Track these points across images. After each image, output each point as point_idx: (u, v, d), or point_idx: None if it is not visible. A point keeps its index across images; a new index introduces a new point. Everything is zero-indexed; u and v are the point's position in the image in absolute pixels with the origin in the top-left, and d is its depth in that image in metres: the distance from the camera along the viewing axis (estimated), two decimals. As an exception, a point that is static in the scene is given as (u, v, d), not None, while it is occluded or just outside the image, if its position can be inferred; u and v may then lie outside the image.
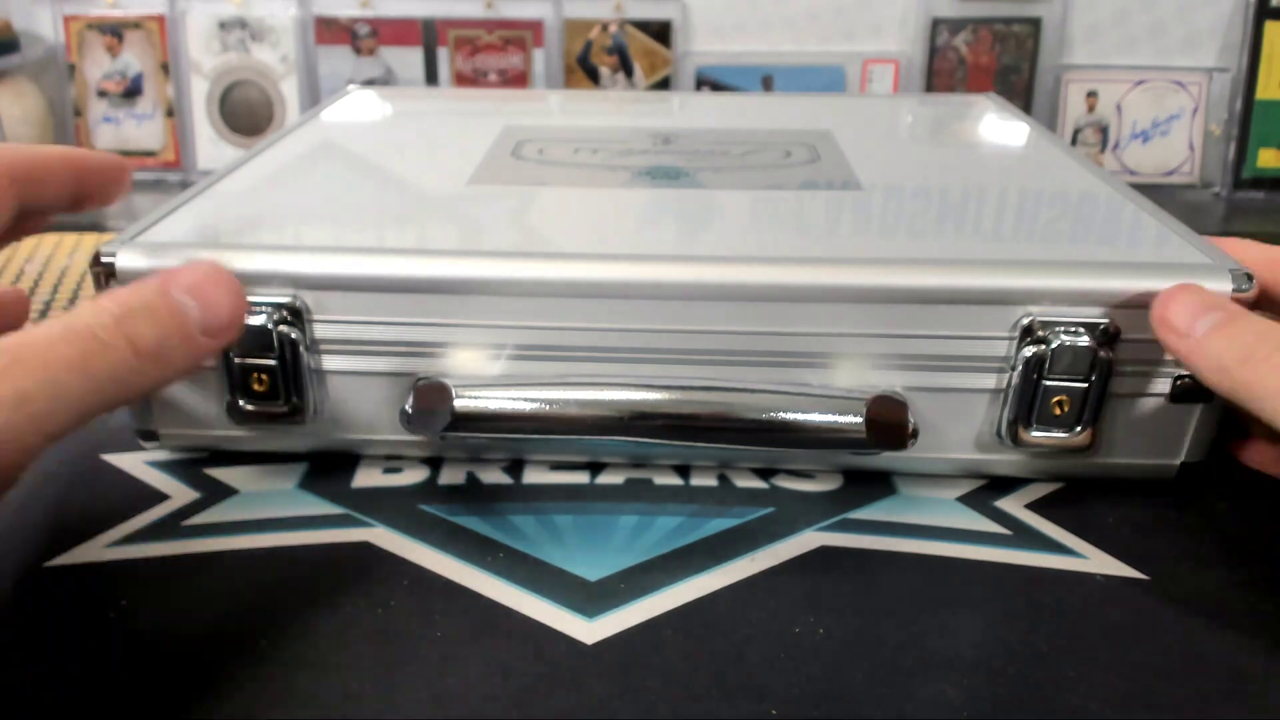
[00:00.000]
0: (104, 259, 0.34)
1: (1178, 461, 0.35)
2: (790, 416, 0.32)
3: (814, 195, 0.41)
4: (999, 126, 0.54)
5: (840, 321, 0.33)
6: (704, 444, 0.35)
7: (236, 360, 0.34)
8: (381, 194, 0.42)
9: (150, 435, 0.37)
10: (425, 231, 0.38)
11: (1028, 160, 0.48)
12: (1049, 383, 0.33)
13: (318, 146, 0.49)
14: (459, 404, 0.32)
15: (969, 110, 0.58)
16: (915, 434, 0.33)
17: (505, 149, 0.48)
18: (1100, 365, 0.33)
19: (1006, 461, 0.36)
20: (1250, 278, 0.32)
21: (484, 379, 0.34)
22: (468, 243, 0.37)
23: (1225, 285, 0.32)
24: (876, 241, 0.36)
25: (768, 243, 0.36)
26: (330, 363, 0.35)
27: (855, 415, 0.32)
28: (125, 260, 0.34)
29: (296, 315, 0.34)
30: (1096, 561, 0.32)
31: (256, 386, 0.34)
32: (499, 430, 0.33)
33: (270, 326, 0.33)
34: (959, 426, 0.35)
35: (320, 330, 0.34)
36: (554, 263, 0.33)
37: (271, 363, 0.34)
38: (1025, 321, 0.33)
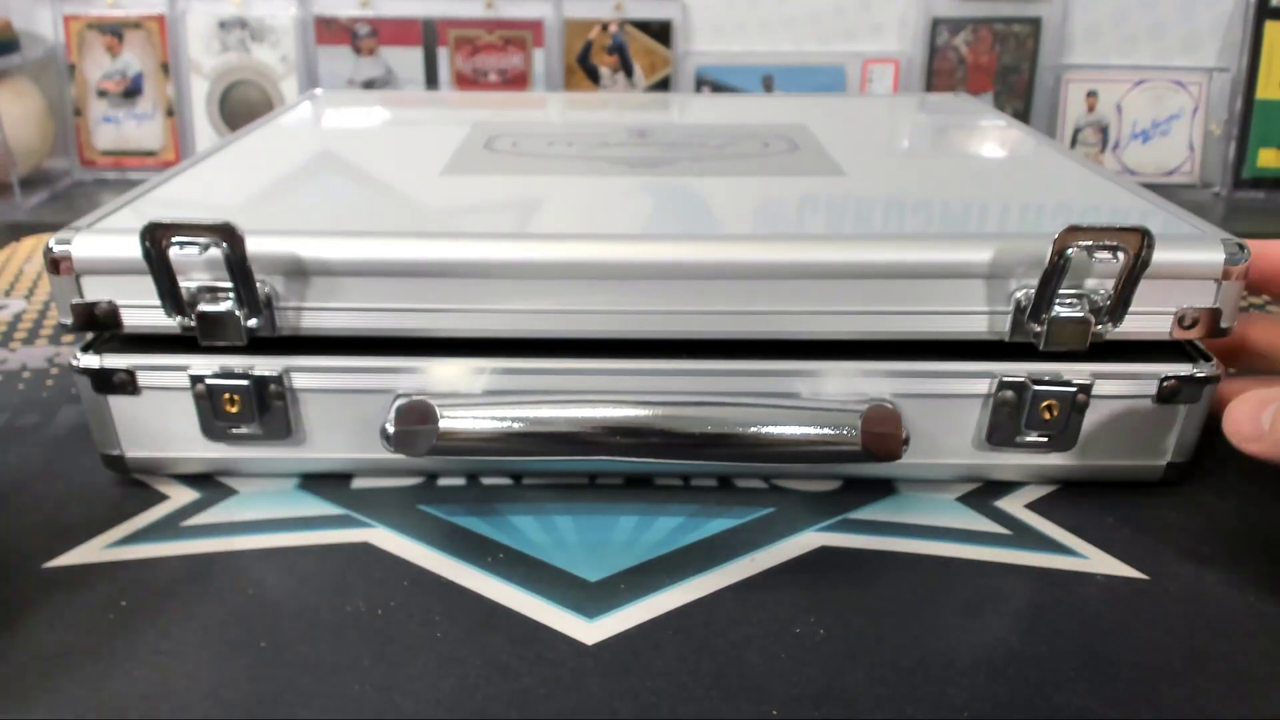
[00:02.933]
0: (58, 248, 0.32)
1: (1164, 462, 0.35)
2: (782, 432, 0.32)
3: (798, 180, 0.41)
4: (974, 120, 0.55)
5: (832, 299, 0.32)
6: (696, 461, 0.35)
7: (209, 381, 0.33)
8: (351, 185, 0.41)
9: (117, 463, 0.36)
10: (397, 219, 0.36)
11: (1007, 148, 0.49)
12: (1038, 388, 0.33)
13: (281, 143, 0.48)
14: (444, 424, 0.31)
15: (945, 106, 0.59)
16: (907, 442, 0.33)
17: (477, 143, 0.48)
18: (1085, 387, 0.33)
19: (995, 466, 0.36)
20: (1243, 246, 0.32)
21: (467, 397, 0.33)
22: (440, 227, 0.36)
23: (1218, 254, 0.32)
24: (864, 221, 0.36)
25: (756, 222, 0.36)
26: (305, 381, 0.34)
27: (849, 429, 0.32)
28: (82, 249, 0.32)
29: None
30: (1096, 561, 0.32)
31: (229, 408, 0.34)
32: (486, 451, 0.32)
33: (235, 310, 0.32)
34: (950, 433, 0.35)
35: (290, 319, 0.33)
36: (532, 244, 0.33)
37: (244, 383, 0.33)
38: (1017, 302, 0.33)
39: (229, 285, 0.32)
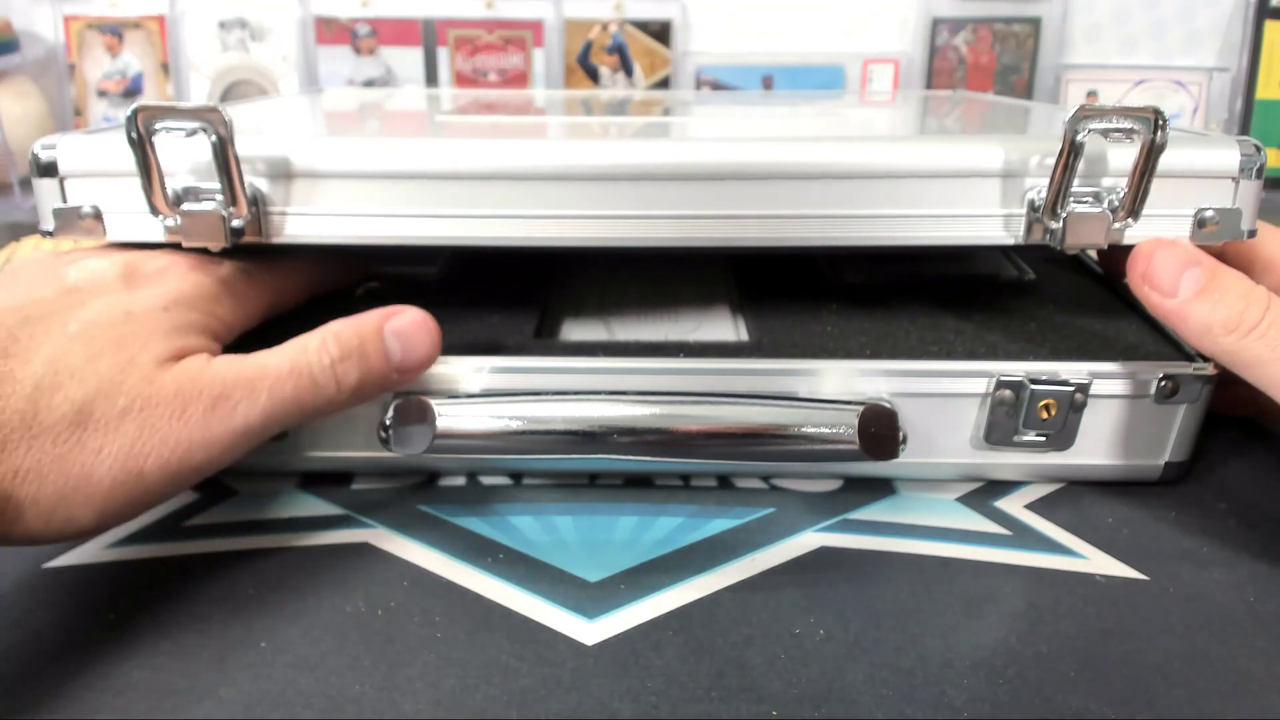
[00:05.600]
0: (43, 152, 0.32)
1: (1162, 461, 0.35)
2: (779, 430, 0.32)
3: (798, 109, 0.44)
4: (968, 95, 0.57)
5: (844, 202, 0.32)
6: (694, 460, 0.34)
7: None
8: (348, 116, 0.42)
9: None
10: (390, 128, 0.37)
11: (1009, 103, 0.51)
12: (1035, 387, 0.33)
13: (282, 102, 0.49)
14: (441, 422, 0.31)
15: (945, 96, 0.62)
16: (904, 441, 0.33)
17: (481, 102, 0.50)
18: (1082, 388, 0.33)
19: (993, 465, 0.36)
20: (1259, 148, 0.32)
21: (465, 395, 0.33)
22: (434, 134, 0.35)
23: (1233, 152, 0.32)
24: (868, 129, 0.37)
25: (763, 130, 0.36)
26: None
27: (846, 427, 0.31)
28: (67, 151, 0.32)
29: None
30: (1096, 561, 0.32)
31: None
32: (484, 450, 0.32)
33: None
34: (947, 432, 0.35)
35: (276, 224, 0.32)
36: (526, 145, 0.32)
37: None
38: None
39: (215, 186, 0.31)
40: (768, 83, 0.94)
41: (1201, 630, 0.29)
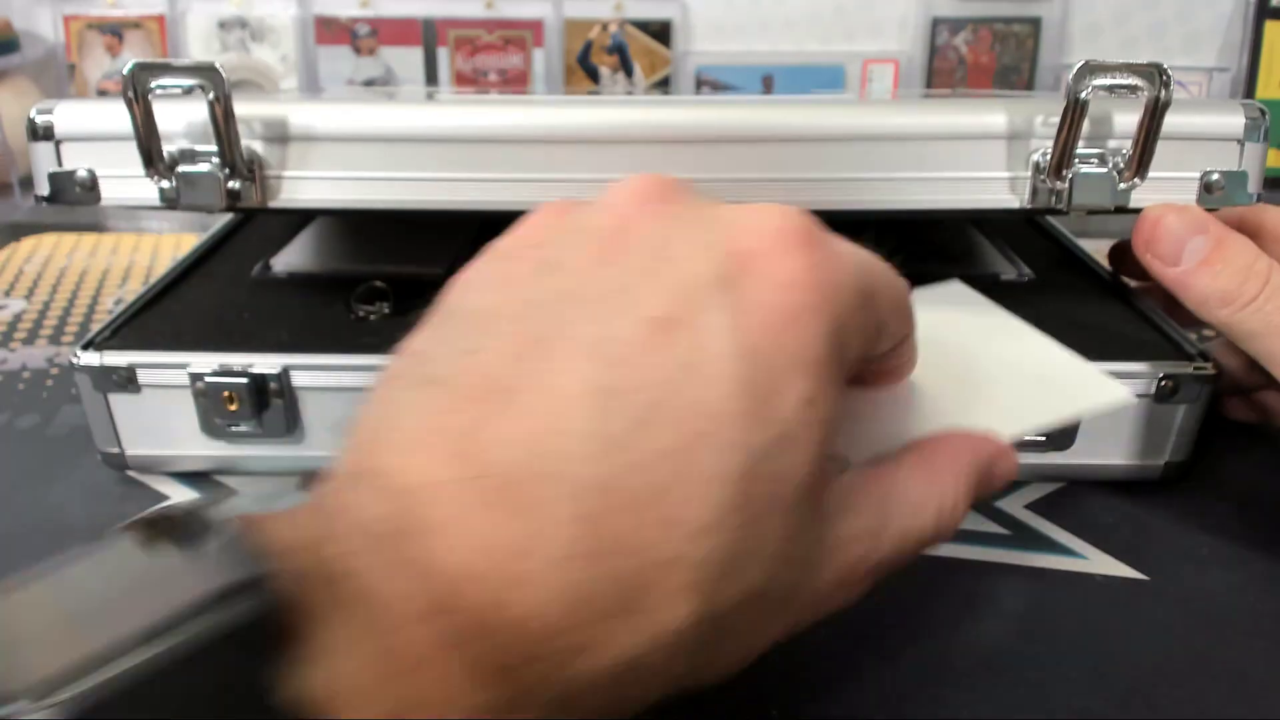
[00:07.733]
0: (40, 117, 0.31)
1: (1162, 461, 0.35)
2: None
3: (800, 98, 0.43)
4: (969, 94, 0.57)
5: (848, 164, 0.31)
6: None
7: (208, 379, 0.33)
8: (344, 96, 0.42)
9: (116, 461, 0.36)
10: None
11: (1006, 93, 0.51)
12: None
13: (280, 92, 0.49)
14: None
15: (945, 94, 0.63)
16: None
17: (477, 91, 0.50)
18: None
19: None
20: (1264, 111, 0.32)
21: None
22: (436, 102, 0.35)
23: (1238, 116, 0.32)
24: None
25: (762, 102, 0.35)
26: (304, 379, 0.34)
27: None
28: (64, 115, 0.32)
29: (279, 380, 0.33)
30: (1096, 561, 0.32)
31: (228, 406, 0.33)
32: None
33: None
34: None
35: (272, 187, 0.32)
36: (525, 108, 0.31)
37: (243, 381, 0.33)
38: None
39: (212, 149, 0.31)
40: (768, 83, 0.94)
41: (1201, 630, 0.29)
